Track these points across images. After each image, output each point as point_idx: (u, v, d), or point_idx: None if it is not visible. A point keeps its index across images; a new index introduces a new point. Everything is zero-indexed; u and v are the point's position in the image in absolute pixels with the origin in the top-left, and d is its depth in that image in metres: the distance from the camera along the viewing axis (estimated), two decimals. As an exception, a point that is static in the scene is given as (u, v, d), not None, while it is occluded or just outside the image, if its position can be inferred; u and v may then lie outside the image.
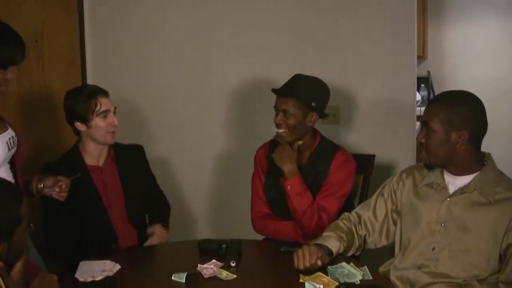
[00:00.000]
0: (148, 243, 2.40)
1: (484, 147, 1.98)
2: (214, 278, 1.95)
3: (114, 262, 2.07)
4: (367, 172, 2.61)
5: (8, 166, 2.06)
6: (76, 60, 3.24)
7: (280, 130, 2.39)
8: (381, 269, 2.10)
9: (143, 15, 3.25)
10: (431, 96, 5.10)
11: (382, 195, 2.17)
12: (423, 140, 1.95)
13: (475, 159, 1.95)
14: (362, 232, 2.17)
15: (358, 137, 2.97)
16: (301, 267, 1.93)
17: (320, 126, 2.57)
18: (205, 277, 1.95)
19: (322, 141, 2.47)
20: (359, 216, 2.20)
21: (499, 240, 1.87)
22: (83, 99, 2.32)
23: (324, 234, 2.14)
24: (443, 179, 2.00)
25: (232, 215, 3.24)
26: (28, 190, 2.12)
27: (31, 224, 1.54)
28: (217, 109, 3.21)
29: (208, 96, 3.22)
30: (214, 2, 3.12)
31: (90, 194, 2.36)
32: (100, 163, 2.43)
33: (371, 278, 1.94)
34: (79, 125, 2.35)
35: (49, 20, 3.07)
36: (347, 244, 2.11)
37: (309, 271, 1.92)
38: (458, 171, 1.96)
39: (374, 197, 2.21)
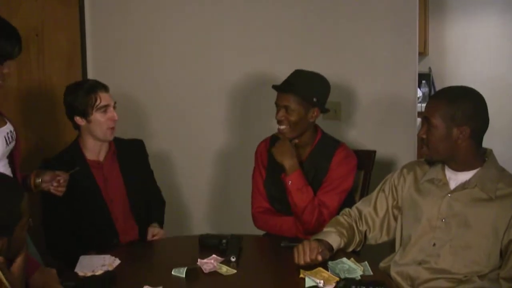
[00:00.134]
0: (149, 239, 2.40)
1: (485, 143, 1.98)
2: (214, 273, 1.95)
3: (114, 257, 2.07)
4: (368, 168, 2.60)
5: (6, 161, 2.05)
6: (76, 55, 3.24)
7: (282, 127, 2.37)
8: (382, 264, 2.10)
9: (144, 10, 3.24)
10: (432, 93, 5.10)
11: (383, 190, 2.17)
12: (424, 136, 1.94)
13: (476, 155, 1.95)
14: (363, 227, 2.17)
15: (359, 133, 2.96)
16: (302, 262, 1.93)
17: (321, 122, 2.57)
18: (205, 272, 1.95)
19: (323, 137, 2.46)
20: (359, 212, 2.19)
21: (500, 236, 1.86)
22: (83, 94, 2.32)
23: (325, 229, 2.13)
24: (444, 175, 1.99)
25: (232, 210, 3.24)
26: (26, 185, 2.11)
27: (30, 219, 1.53)
28: (217, 106, 3.21)
29: (208, 93, 3.21)
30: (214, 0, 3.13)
31: (91, 189, 2.36)
32: (101, 158, 2.42)
33: (371, 273, 1.94)
34: (78, 120, 2.35)
35: (50, 15, 3.06)
36: (347, 240, 2.10)
37: (309, 267, 1.92)
38: (459, 167, 1.96)
39: (375, 192, 2.20)
